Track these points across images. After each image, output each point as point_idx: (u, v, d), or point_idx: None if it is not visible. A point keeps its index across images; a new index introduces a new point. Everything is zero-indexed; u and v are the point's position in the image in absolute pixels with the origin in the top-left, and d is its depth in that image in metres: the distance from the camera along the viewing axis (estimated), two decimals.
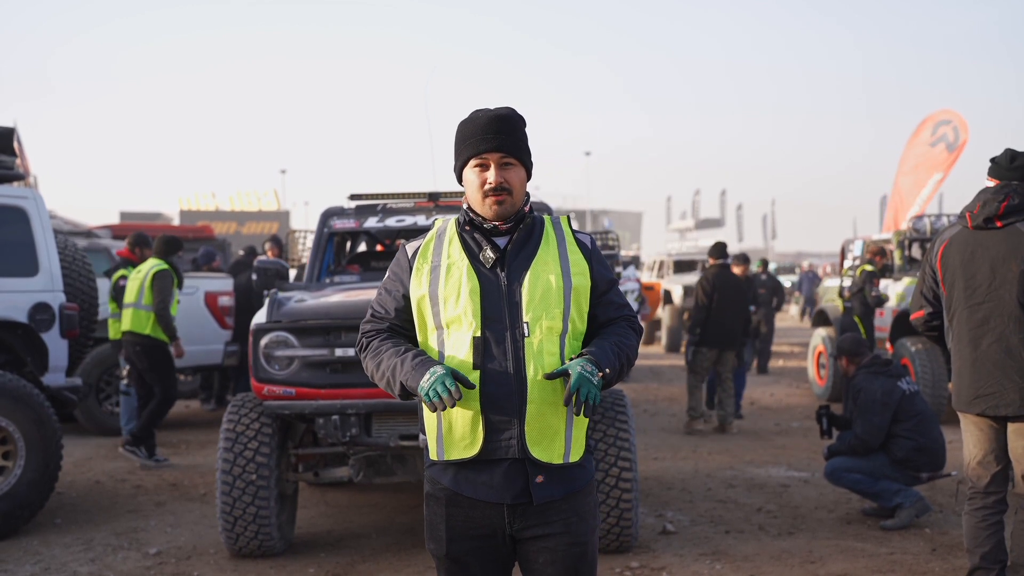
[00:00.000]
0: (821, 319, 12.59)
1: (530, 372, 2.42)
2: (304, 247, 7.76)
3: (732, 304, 9.45)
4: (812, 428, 9.36)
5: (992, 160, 4.23)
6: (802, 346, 18.12)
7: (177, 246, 8.20)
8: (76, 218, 13.55)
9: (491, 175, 2.47)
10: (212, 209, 45.87)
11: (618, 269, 7.74)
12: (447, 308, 2.46)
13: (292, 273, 7.28)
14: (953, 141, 17.40)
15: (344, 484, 6.19)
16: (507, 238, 2.52)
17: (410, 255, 2.57)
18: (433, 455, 2.51)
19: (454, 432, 2.45)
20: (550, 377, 2.40)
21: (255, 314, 5.15)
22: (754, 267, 15.18)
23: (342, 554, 5.40)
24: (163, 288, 7.75)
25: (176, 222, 41.80)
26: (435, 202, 6.47)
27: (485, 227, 2.51)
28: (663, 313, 18.53)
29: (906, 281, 10.33)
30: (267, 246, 11.34)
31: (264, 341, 4.95)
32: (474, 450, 2.43)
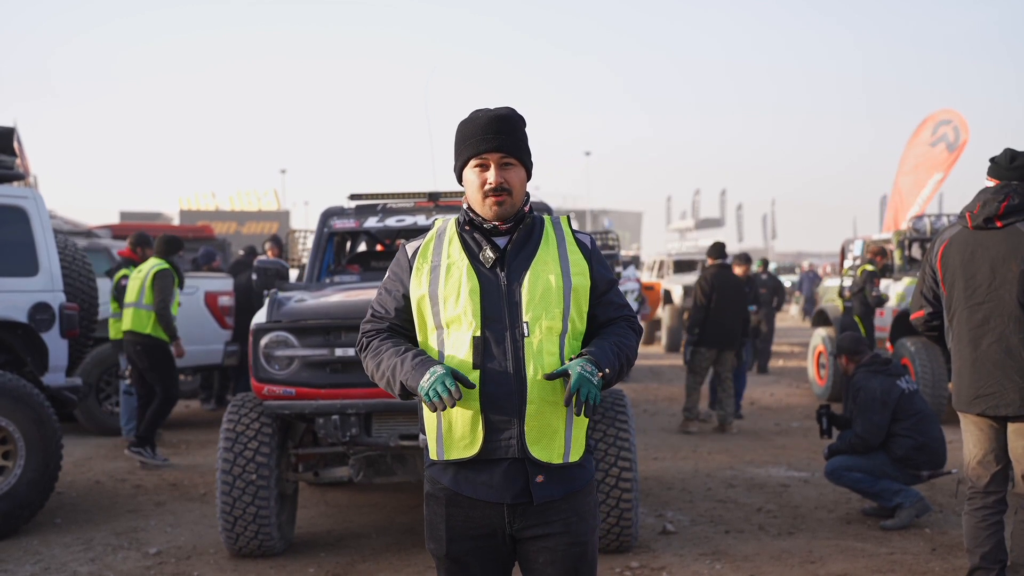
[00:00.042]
0: (821, 319, 12.59)
1: (530, 372, 2.42)
2: (304, 247, 7.76)
3: (731, 304, 9.45)
4: (812, 428, 9.36)
5: (992, 160, 4.23)
6: (802, 346, 18.13)
7: (178, 246, 8.20)
8: (76, 218, 13.56)
9: (491, 175, 2.47)
10: (212, 209, 45.88)
11: (618, 269, 7.74)
12: (447, 308, 2.47)
13: (293, 273, 7.29)
14: (953, 141, 17.40)
15: (344, 484, 6.19)
16: (507, 238, 2.52)
17: (410, 255, 2.57)
18: (433, 455, 2.51)
19: (454, 432, 2.45)
20: (550, 377, 2.40)
21: (255, 314, 5.16)
22: (754, 267, 15.17)
23: (342, 554, 5.40)
24: (164, 288, 7.75)
25: (176, 222, 41.82)
26: (435, 202, 6.47)
27: (485, 227, 2.51)
28: (663, 313, 18.54)
29: (906, 281, 10.34)
30: (267, 246, 11.34)
31: (264, 341, 4.95)
32: (474, 450, 2.43)
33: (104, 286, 8.49)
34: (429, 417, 2.51)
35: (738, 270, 10.62)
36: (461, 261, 2.49)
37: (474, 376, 2.41)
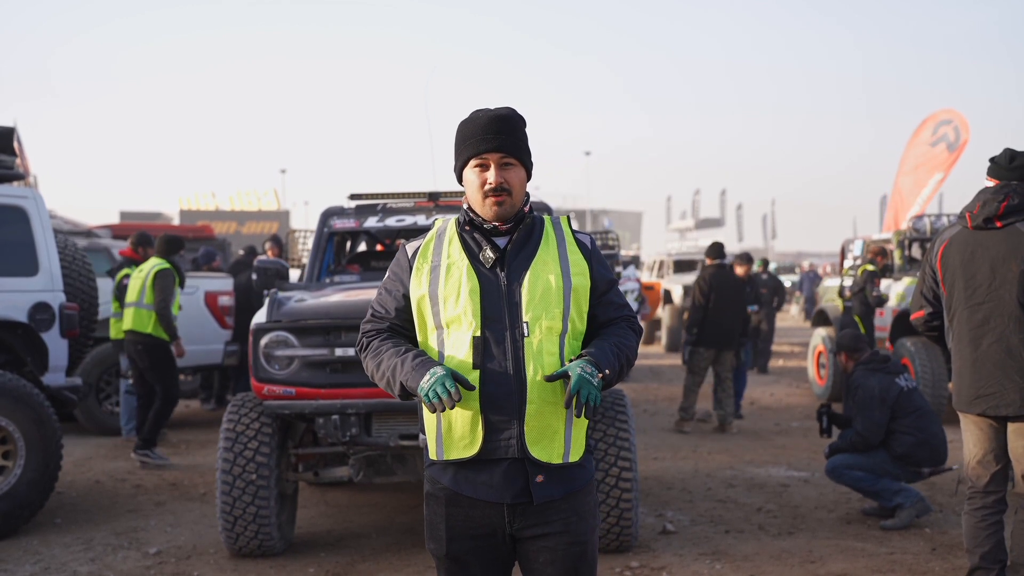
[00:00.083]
0: (821, 319, 12.60)
1: (530, 372, 2.42)
2: (304, 247, 7.76)
3: (729, 304, 9.46)
4: (812, 428, 9.36)
5: (991, 160, 4.23)
6: (802, 346, 18.13)
7: (179, 245, 8.21)
8: (76, 218, 13.55)
9: (491, 175, 2.47)
10: (212, 209, 45.92)
11: (618, 269, 7.74)
12: (447, 308, 2.47)
13: (294, 273, 7.28)
14: (954, 141, 17.40)
15: (344, 484, 6.19)
16: (507, 238, 2.52)
17: (410, 255, 2.57)
18: (433, 455, 2.51)
19: (454, 432, 2.45)
20: (550, 379, 2.40)
21: (255, 314, 5.16)
22: (754, 267, 15.18)
23: (342, 554, 5.40)
24: (164, 287, 7.76)
25: (176, 222, 41.83)
26: (435, 202, 6.47)
27: (485, 227, 2.51)
28: (663, 313, 18.54)
29: (906, 281, 10.34)
30: (267, 246, 11.34)
31: (264, 341, 4.95)
32: (473, 450, 2.43)
33: (104, 286, 8.49)
34: (429, 417, 2.51)
35: (739, 270, 10.62)
36: (461, 261, 2.49)
37: (474, 376, 2.41)
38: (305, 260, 7.18)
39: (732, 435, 9.28)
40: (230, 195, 47.25)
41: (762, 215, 54.92)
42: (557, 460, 2.46)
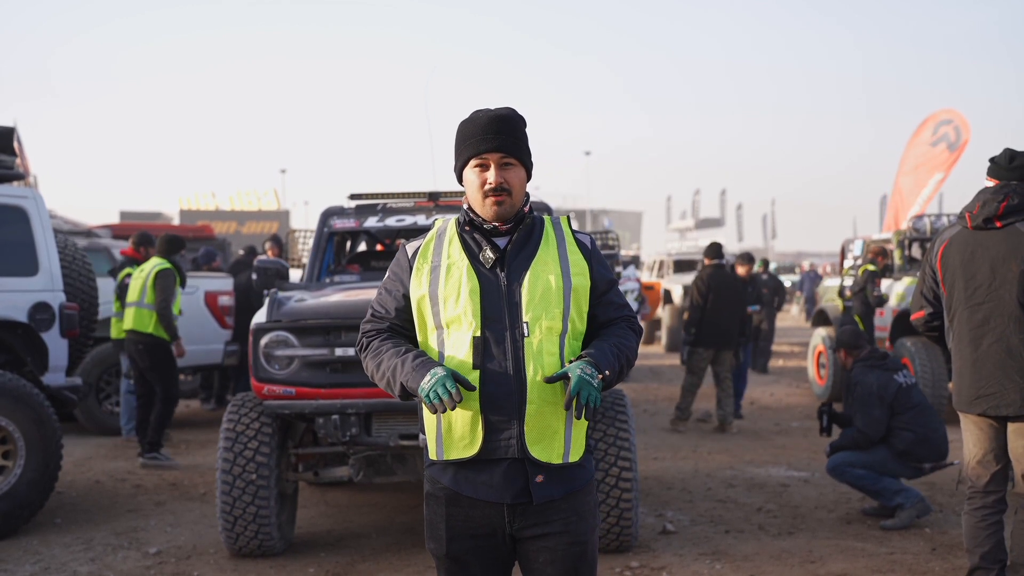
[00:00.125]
0: (821, 319, 12.60)
1: (530, 372, 2.42)
2: (304, 247, 7.76)
3: (728, 304, 9.46)
4: (812, 428, 9.36)
5: (991, 160, 4.23)
6: (802, 346, 18.13)
7: (180, 245, 8.21)
8: (76, 218, 13.55)
9: (491, 175, 2.47)
10: (212, 209, 45.94)
11: (618, 269, 7.74)
12: (447, 308, 2.47)
13: (295, 273, 7.28)
14: (954, 141, 17.40)
15: (344, 484, 6.19)
16: (507, 238, 2.52)
17: (410, 255, 2.57)
18: (433, 455, 2.52)
19: (453, 432, 2.45)
20: (550, 380, 2.40)
21: (255, 314, 5.16)
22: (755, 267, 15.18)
23: (342, 554, 5.40)
24: (165, 287, 7.76)
25: (176, 222, 41.84)
26: (435, 202, 6.47)
27: (485, 227, 2.51)
28: (663, 313, 18.54)
29: (906, 281, 10.34)
30: (267, 246, 11.34)
31: (264, 341, 4.95)
32: (473, 450, 2.43)
33: (104, 286, 8.49)
34: (429, 417, 2.51)
35: (741, 270, 10.63)
36: (461, 261, 2.49)
37: (474, 376, 2.41)
38: (305, 260, 7.18)
39: (732, 435, 9.28)
40: (230, 195, 47.27)
41: (762, 215, 54.96)
42: (557, 460, 2.46)
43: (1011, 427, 4.09)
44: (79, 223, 12.57)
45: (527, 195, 2.57)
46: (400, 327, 2.58)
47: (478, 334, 2.43)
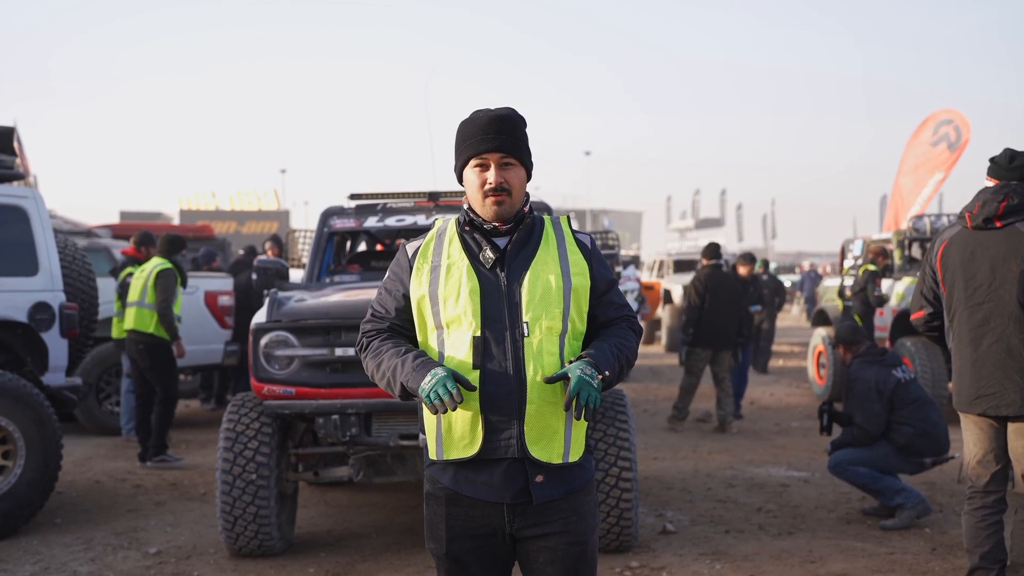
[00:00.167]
0: (821, 319, 12.60)
1: (530, 372, 2.42)
2: (304, 247, 7.76)
3: (725, 304, 9.46)
4: (812, 428, 9.37)
5: (991, 160, 4.23)
6: (802, 346, 18.13)
7: (181, 245, 8.20)
8: (76, 218, 13.55)
9: (491, 175, 2.47)
10: (212, 209, 45.92)
11: (618, 269, 7.74)
12: (447, 308, 2.47)
13: (295, 273, 7.28)
14: (955, 140, 17.39)
15: (344, 484, 6.19)
16: (507, 238, 2.52)
17: (410, 255, 2.57)
18: (432, 455, 2.52)
19: (453, 432, 2.45)
20: (550, 381, 2.40)
21: (255, 314, 5.16)
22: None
23: (342, 554, 5.40)
24: (166, 287, 7.76)
25: (176, 222, 41.84)
26: (435, 202, 6.46)
27: (485, 228, 2.51)
28: (663, 313, 18.54)
29: (906, 281, 10.34)
30: (267, 246, 11.34)
31: (264, 341, 4.95)
32: (473, 450, 2.43)
33: (104, 286, 8.49)
34: (429, 417, 2.51)
35: (742, 270, 10.64)
36: (461, 261, 2.49)
37: (474, 376, 2.41)
38: (305, 260, 7.18)
39: (732, 435, 9.28)
40: (230, 195, 47.26)
41: (762, 215, 54.97)
42: (557, 460, 2.46)
43: (1011, 427, 4.09)
44: (79, 223, 12.57)
45: (527, 195, 2.57)
46: (400, 327, 2.58)
47: (478, 334, 2.43)
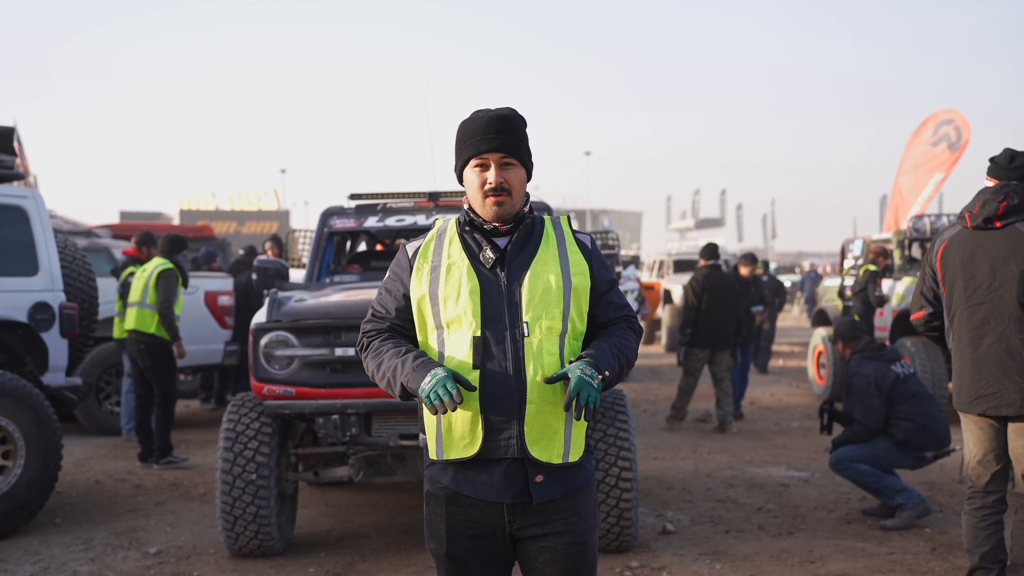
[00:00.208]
0: (821, 319, 12.60)
1: (529, 372, 2.42)
2: (304, 247, 7.76)
3: (723, 305, 9.46)
4: (812, 428, 9.37)
5: (991, 160, 4.23)
6: (802, 346, 18.12)
7: (182, 245, 8.21)
8: (76, 218, 13.55)
9: (491, 175, 2.47)
10: (212, 209, 45.92)
11: (618, 269, 7.75)
12: (447, 308, 2.47)
13: (295, 273, 7.27)
14: (955, 140, 17.38)
15: (344, 484, 6.18)
16: (507, 238, 2.52)
17: (410, 255, 2.57)
18: (432, 454, 2.52)
19: (453, 432, 2.45)
20: (550, 381, 2.40)
21: (255, 314, 5.16)
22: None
23: (342, 554, 5.40)
24: (167, 287, 7.76)
25: (176, 222, 41.84)
26: (435, 202, 6.46)
27: (485, 228, 2.51)
28: (663, 313, 18.54)
29: (907, 281, 10.34)
30: (267, 246, 11.34)
31: (264, 341, 4.95)
32: (473, 450, 2.43)
33: (104, 286, 8.49)
34: (429, 417, 2.51)
35: (744, 270, 10.63)
36: (461, 261, 2.49)
37: (474, 376, 2.41)
38: (305, 260, 7.18)
39: (732, 435, 9.28)
40: (230, 195, 47.25)
41: (762, 215, 54.98)
42: (557, 460, 2.46)
43: (1011, 427, 4.09)
44: (79, 223, 12.57)
45: (527, 195, 2.57)
46: (400, 327, 2.58)
47: (478, 334, 2.43)
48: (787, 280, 30.37)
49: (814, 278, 27.29)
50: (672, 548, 5.42)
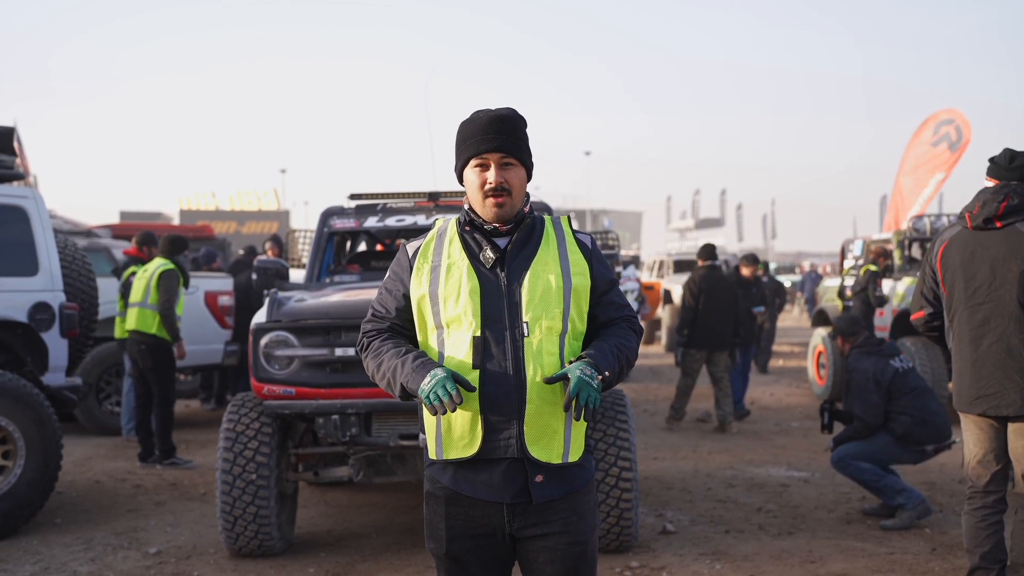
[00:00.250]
0: (821, 319, 12.60)
1: (529, 372, 2.42)
2: (304, 247, 7.76)
3: (721, 305, 9.46)
4: (812, 428, 9.37)
5: (991, 160, 4.23)
6: (802, 346, 18.12)
7: (183, 245, 8.21)
8: (76, 218, 13.56)
9: (491, 175, 2.47)
10: (212, 209, 45.92)
11: (618, 269, 7.74)
12: (447, 308, 2.47)
13: (295, 273, 7.27)
14: (956, 141, 17.38)
15: (344, 484, 6.19)
16: (507, 238, 2.52)
17: (411, 255, 2.57)
18: (432, 454, 2.52)
19: (453, 431, 2.45)
20: (550, 381, 2.40)
21: (255, 314, 5.16)
22: None
23: (342, 554, 5.40)
24: (169, 288, 7.76)
25: (176, 222, 41.84)
26: (435, 202, 6.46)
27: (485, 228, 2.51)
28: (663, 313, 18.54)
29: (907, 281, 10.35)
30: (267, 246, 11.34)
31: (264, 341, 4.95)
32: (473, 449, 2.43)
33: (104, 286, 8.49)
34: (428, 417, 2.51)
35: (745, 271, 10.63)
36: (461, 261, 2.49)
37: (473, 376, 2.41)
38: (305, 260, 7.18)
39: (732, 435, 9.28)
40: (230, 195, 47.25)
41: (762, 215, 55.00)
42: (556, 460, 2.46)
43: (1011, 427, 4.09)
44: (79, 223, 12.58)
45: (527, 195, 2.57)
46: (401, 327, 2.59)
47: (478, 334, 2.43)
48: (787, 280, 30.37)
49: (814, 278, 27.27)
50: (672, 548, 5.42)
